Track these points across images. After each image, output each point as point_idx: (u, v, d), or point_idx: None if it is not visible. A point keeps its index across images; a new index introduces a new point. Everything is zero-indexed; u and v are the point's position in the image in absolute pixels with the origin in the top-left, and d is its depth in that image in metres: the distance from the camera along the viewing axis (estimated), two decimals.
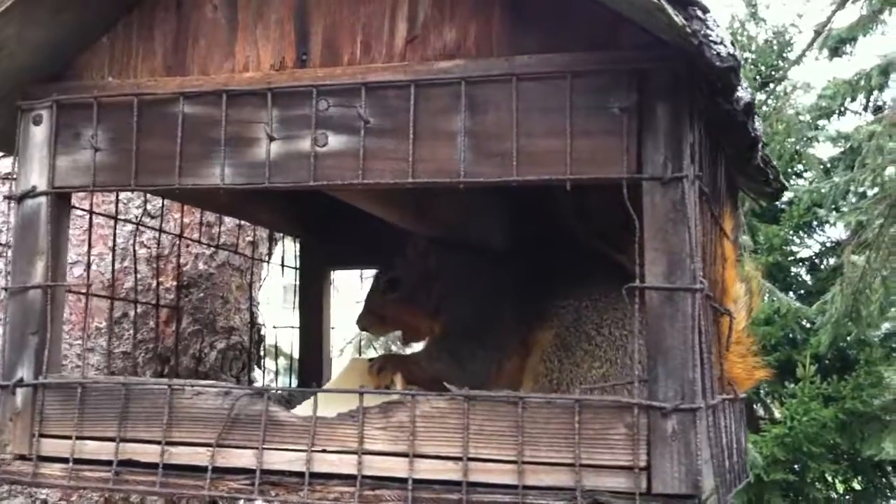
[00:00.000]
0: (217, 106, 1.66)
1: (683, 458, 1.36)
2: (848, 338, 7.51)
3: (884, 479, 10.57)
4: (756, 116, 1.58)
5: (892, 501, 10.71)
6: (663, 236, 1.41)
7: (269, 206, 2.70)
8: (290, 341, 2.98)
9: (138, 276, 2.61)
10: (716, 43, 1.27)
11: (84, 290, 2.13)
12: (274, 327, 3.06)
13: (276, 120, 1.63)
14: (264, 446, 1.58)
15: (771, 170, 1.96)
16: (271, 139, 1.62)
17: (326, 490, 1.53)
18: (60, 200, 1.79)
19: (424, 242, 2.15)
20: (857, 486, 8.49)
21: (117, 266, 2.55)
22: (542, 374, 1.87)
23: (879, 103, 8.36)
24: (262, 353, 3.25)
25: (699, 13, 1.28)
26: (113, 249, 2.26)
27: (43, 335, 1.74)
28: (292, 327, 2.94)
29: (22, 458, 1.73)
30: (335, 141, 1.59)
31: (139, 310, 2.60)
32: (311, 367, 2.86)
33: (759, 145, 1.70)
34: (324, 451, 1.56)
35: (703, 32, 1.27)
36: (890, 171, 7.17)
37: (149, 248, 2.70)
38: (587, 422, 1.42)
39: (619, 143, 1.44)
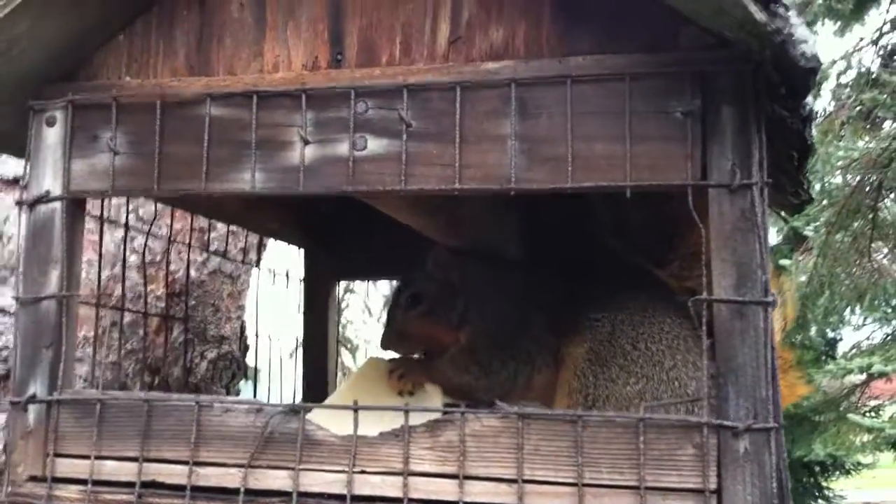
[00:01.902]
0: (246, 108, 1.46)
1: (757, 480, 1.20)
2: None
3: (812, 480, 10.61)
4: (812, 123, 1.42)
5: (819, 501, 10.76)
6: (732, 247, 1.24)
7: (278, 215, 2.49)
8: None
9: (127, 283, 2.37)
10: (800, 42, 1.11)
11: (92, 301, 1.92)
12: (277, 340, 2.84)
13: (310, 123, 1.43)
14: (301, 467, 1.38)
15: (805, 179, 1.80)
16: (306, 143, 1.42)
17: None
18: (75, 206, 1.57)
19: (446, 254, 1.96)
20: None
21: (106, 273, 2.31)
22: (576, 389, 1.69)
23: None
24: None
25: (781, 10, 1.11)
26: (123, 256, 2.04)
27: (58, 348, 1.52)
28: (297, 339, 2.73)
29: (34, 479, 1.51)
30: (375, 145, 1.40)
31: (128, 318, 2.36)
32: (317, 378, 2.66)
33: (811, 154, 1.55)
34: (364, 472, 1.36)
35: (786, 31, 1.11)
36: (836, 178, 7.15)
37: (139, 254, 2.45)
38: (652, 442, 1.25)
39: (682, 148, 1.27)
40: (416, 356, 1.99)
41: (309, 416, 1.43)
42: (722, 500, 1.21)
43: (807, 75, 1.16)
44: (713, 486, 1.22)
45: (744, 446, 1.21)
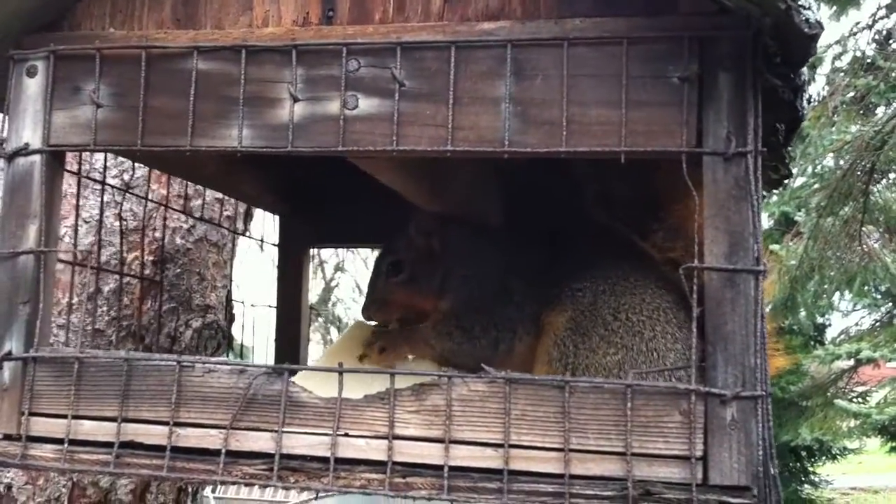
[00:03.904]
0: (234, 62, 1.46)
1: (743, 447, 1.24)
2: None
3: (799, 464, 10.77)
4: (804, 94, 1.45)
5: (805, 486, 10.93)
6: (725, 215, 1.27)
7: (256, 179, 2.49)
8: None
9: (112, 249, 2.37)
10: (804, 8, 1.13)
11: (71, 261, 1.92)
12: (252, 305, 2.86)
13: (300, 80, 1.44)
14: (284, 429, 1.40)
15: (787, 154, 1.82)
16: (295, 100, 1.43)
17: (352, 477, 1.37)
18: (55, 159, 1.57)
19: (428, 219, 1.97)
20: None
21: (91, 239, 2.31)
22: (556, 358, 1.71)
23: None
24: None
25: None
26: (100, 218, 2.04)
27: (35, 305, 1.53)
28: (270, 306, 2.74)
29: (9, 438, 1.52)
30: (366, 104, 1.41)
31: (112, 285, 2.37)
32: (289, 345, 2.68)
33: (799, 126, 1.57)
34: (349, 435, 1.39)
35: None
36: (828, 161, 7.22)
37: (125, 220, 2.46)
38: (639, 408, 1.28)
39: (677, 114, 1.29)
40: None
41: (293, 379, 1.45)
42: (708, 467, 1.25)
43: (808, 42, 1.18)
44: (699, 453, 1.25)
45: (731, 414, 1.24)
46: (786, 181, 2.04)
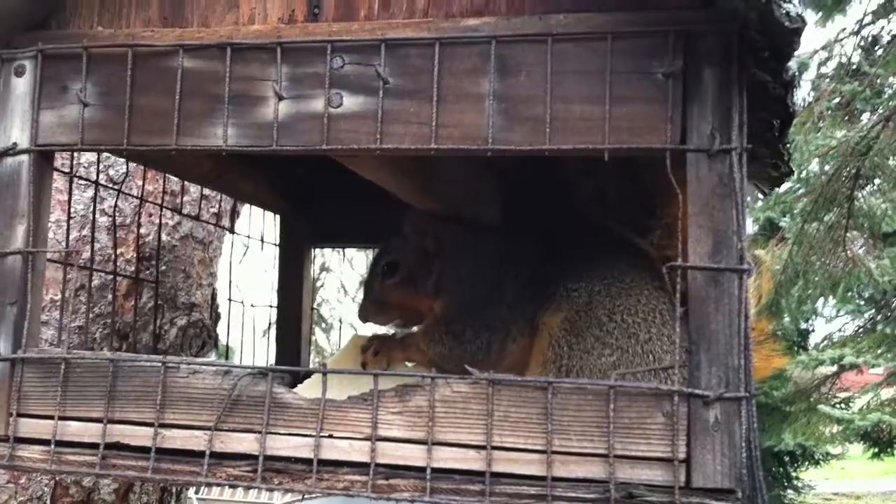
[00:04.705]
0: (220, 60, 1.40)
1: (727, 449, 1.16)
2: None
3: (782, 469, 10.63)
4: (795, 90, 1.37)
5: (788, 491, 10.78)
6: (709, 213, 1.20)
7: (252, 177, 2.42)
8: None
9: (97, 245, 2.28)
10: (785, 1, 1.06)
11: (58, 259, 1.85)
12: (252, 305, 2.78)
13: (285, 77, 1.37)
14: (268, 430, 1.33)
15: (785, 150, 1.74)
16: (280, 98, 1.37)
17: (336, 479, 1.30)
18: (43, 159, 1.51)
19: (421, 218, 1.90)
20: None
21: (74, 235, 2.22)
22: (551, 359, 1.64)
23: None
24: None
25: None
26: (93, 215, 1.97)
27: (23, 305, 1.46)
28: (271, 306, 2.67)
29: None
30: (351, 102, 1.34)
31: (97, 282, 2.28)
32: (290, 346, 2.60)
33: (792, 122, 1.50)
34: (332, 436, 1.32)
35: None
36: (814, 167, 7.14)
37: (109, 216, 2.37)
38: (622, 410, 1.21)
39: (662, 111, 1.23)
40: (392, 330, 1.94)
41: (296, 389, 1.38)
42: (691, 469, 1.18)
43: (791, 36, 1.11)
44: (682, 455, 1.18)
45: (714, 415, 1.17)
46: (787, 178, 1.95)
